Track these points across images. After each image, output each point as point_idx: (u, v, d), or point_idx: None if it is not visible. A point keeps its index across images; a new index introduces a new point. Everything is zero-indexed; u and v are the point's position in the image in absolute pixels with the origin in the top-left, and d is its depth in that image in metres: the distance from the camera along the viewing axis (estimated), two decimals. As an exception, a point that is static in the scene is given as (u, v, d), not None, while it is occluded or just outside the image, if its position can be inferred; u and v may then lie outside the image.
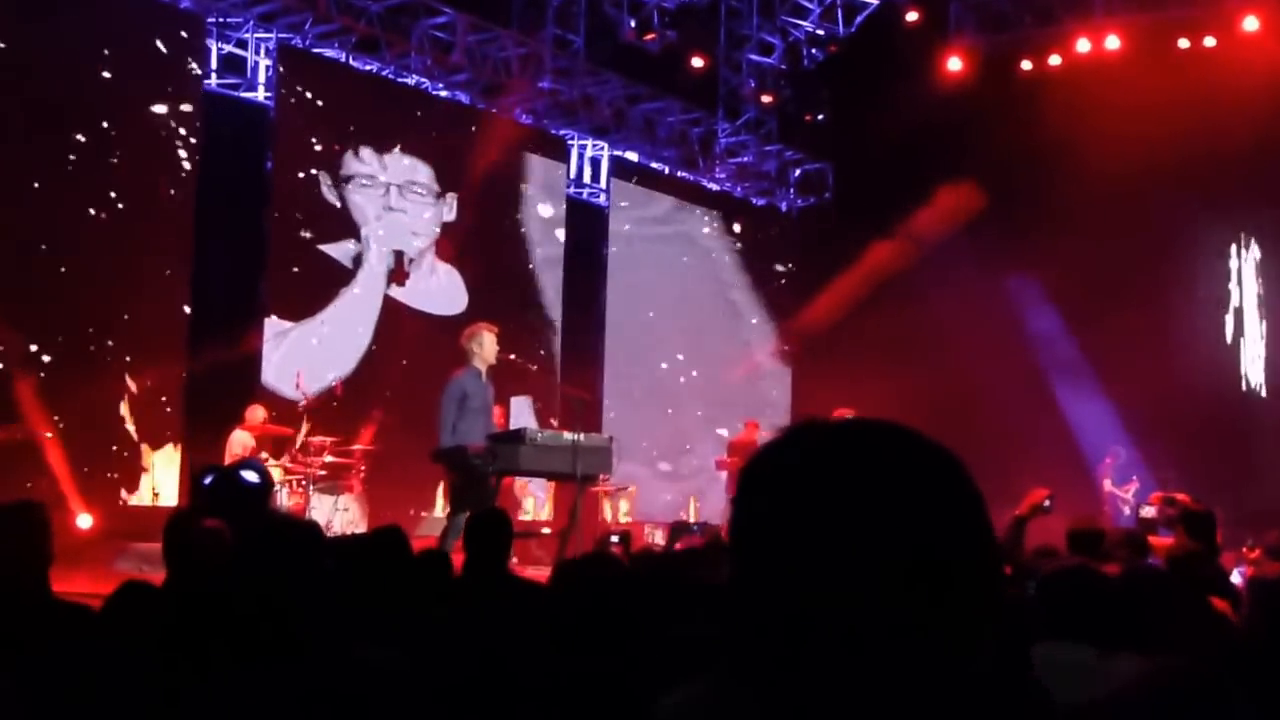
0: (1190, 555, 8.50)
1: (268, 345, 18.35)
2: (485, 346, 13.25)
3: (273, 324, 18.50)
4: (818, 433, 1.71)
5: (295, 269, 18.95)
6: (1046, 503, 11.41)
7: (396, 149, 20.35)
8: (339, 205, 19.53)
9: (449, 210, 20.81)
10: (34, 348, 16.06)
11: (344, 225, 19.62)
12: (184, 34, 18.03)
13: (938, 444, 1.70)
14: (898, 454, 1.68)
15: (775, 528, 1.64)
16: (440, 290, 20.64)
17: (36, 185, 16.22)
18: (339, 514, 16.95)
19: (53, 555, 5.76)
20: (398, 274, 19.95)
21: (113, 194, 16.95)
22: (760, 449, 1.75)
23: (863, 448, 1.68)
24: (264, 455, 15.79)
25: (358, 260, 19.61)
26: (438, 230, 20.76)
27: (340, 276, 19.48)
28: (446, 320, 19.71)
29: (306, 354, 18.66)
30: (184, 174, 17.88)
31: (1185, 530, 12.40)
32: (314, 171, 19.30)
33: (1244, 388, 23.31)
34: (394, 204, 20.22)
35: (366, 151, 19.92)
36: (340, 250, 19.42)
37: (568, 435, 13.67)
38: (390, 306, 19.86)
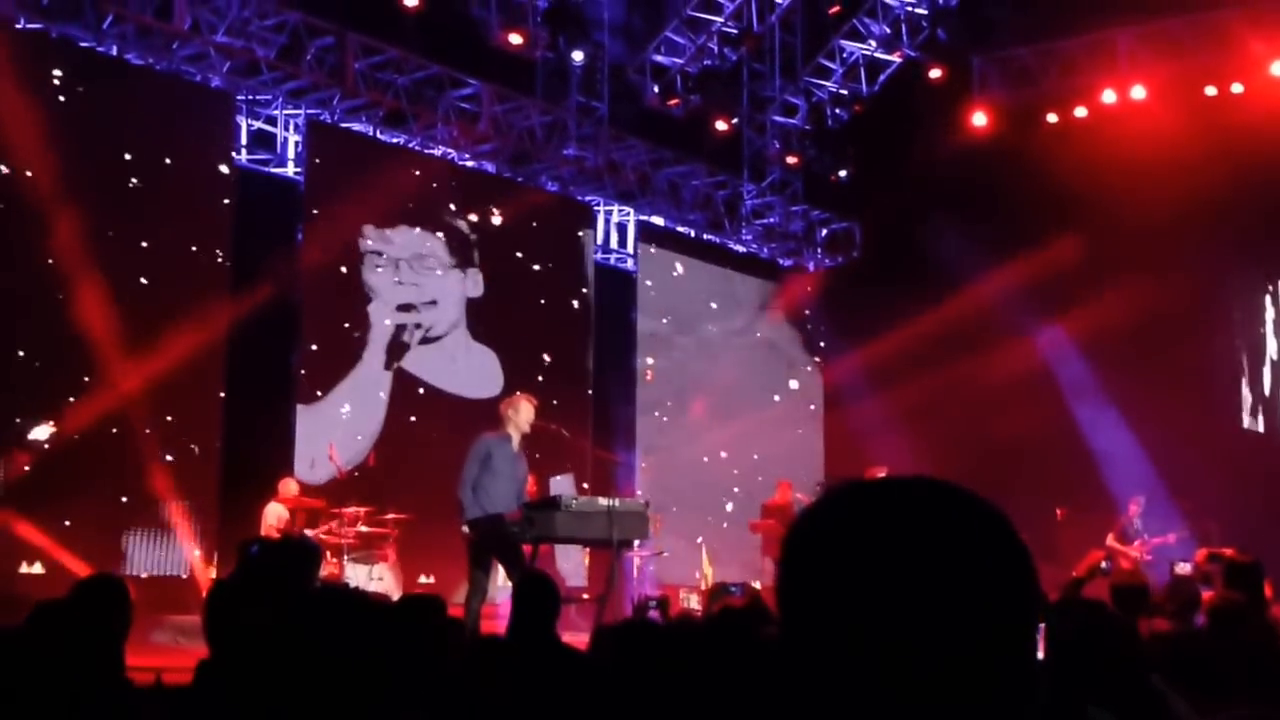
0: (1235, 607, 8.28)
1: (300, 418, 18.48)
2: (521, 414, 13.34)
3: (305, 396, 18.63)
4: (863, 494, 1.72)
5: (323, 343, 19.10)
6: (1104, 564, 11.46)
7: (419, 226, 20.54)
8: (367, 280, 19.70)
9: (474, 285, 20.90)
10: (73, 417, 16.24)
11: (371, 299, 19.82)
12: (215, 111, 18.25)
13: (983, 500, 1.70)
14: (944, 512, 1.68)
15: (827, 590, 1.64)
16: (473, 370, 20.74)
17: (73, 260, 16.34)
18: (373, 583, 16.98)
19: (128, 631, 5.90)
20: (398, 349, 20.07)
21: (147, 270, 17.13)
22: (807, 511, 1.75)
23: (910, 507, 1.68)
24: (307, 529, 15.93)
25: (388, 334, 19.75)
26: (464, 306, 20.86)
27: (370, 350, 19.64)
28: (480, 403, 19.79)
29: (337, 427, 18.83)
30: (217, 248, 18.03)
31: (1228, 582, 12.29)
32: (344, 243, 19.46)
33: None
34: (416, 278, 20.38)
35: (398, 227, 20.13)
36: (370, 323, 19.57)
37: (603, 501, 13.71)
38: (421, 384, 19.99)
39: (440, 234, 20.86)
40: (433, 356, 20.46)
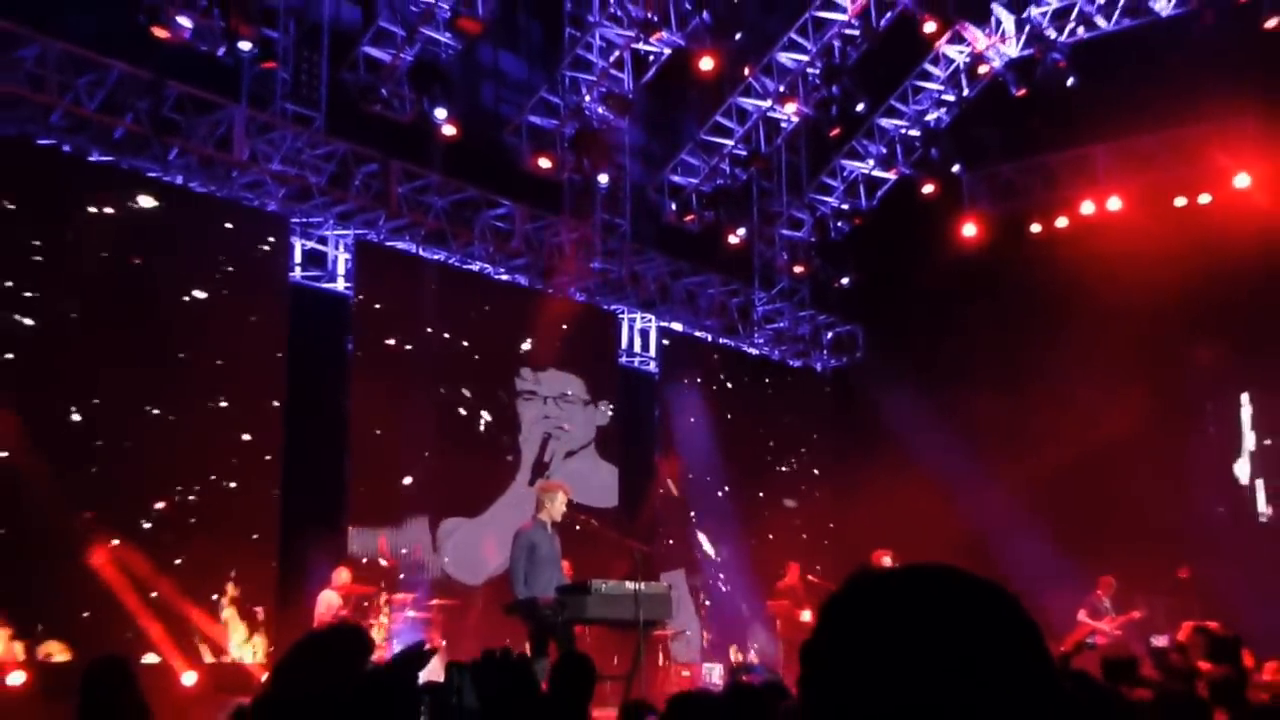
0: (1231, 680, 8.53)
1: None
2: (555, 503, 13.37)
3: (355, 493, 18.74)
4: (885, 586, 1.72)
5: (378, 431, 19.16)
6: (1090, 640, 11.45)
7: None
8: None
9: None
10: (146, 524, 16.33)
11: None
12: (271, 235, 18.39)
13: (995, 585, 1.70)
14: (963, 600, 1.68)
15: (852, 677, 1.64)
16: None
17: (136, 377, 16.44)
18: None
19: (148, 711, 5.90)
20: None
21: (213, 379, 17.22)
22: (829, 601, 1.74)
23: (935, 596, 1.68)
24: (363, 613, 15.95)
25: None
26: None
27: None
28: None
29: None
30: (274, 360, 18.09)
31: (1211, 654, 12.31)
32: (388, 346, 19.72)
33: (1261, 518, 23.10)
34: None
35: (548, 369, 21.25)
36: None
37: (630, 585, 13.68)
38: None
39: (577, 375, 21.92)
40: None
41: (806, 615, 19.62)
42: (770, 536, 25.02)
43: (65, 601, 15.32)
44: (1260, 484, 23.27)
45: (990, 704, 1.59)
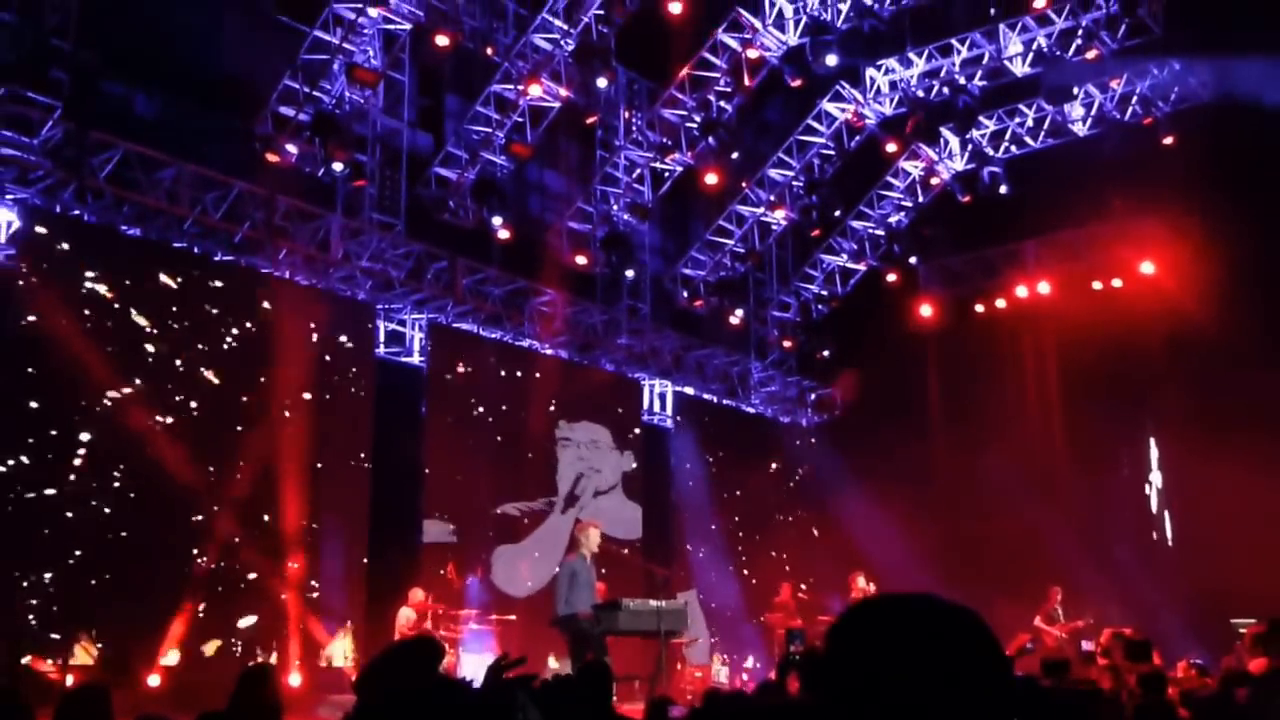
0: (1151, 674, 8.71)
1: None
2: (590, 539, 13.45)
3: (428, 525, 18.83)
4: (879, 611, 1.77)
5: (455, 476, 19.23)
6: (1029, 645, 11.40)
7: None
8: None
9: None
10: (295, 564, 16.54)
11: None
12: (361, 317, 18.50)
13: (963, 608, 1.75)
14: (942, 621, 1.72)
15: (857, 687, 1.68)
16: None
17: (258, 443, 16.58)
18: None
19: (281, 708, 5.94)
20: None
21: (315, 442, 17.23)
22: (836, 626, 1.78)
23: (920, 618, 1.73)
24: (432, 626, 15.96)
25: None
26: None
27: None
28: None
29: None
30: (363, 419, 18.21)
31: (1127, 655, 12.24)
32: (455, 408, 19.78)
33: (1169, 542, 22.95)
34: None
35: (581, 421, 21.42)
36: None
37: (653, 602, 13.71)
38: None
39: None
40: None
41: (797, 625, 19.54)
42: (771, 554, 24.86)
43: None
44: (1167, 515, 23.12)
45: (965, 702, 1.64)
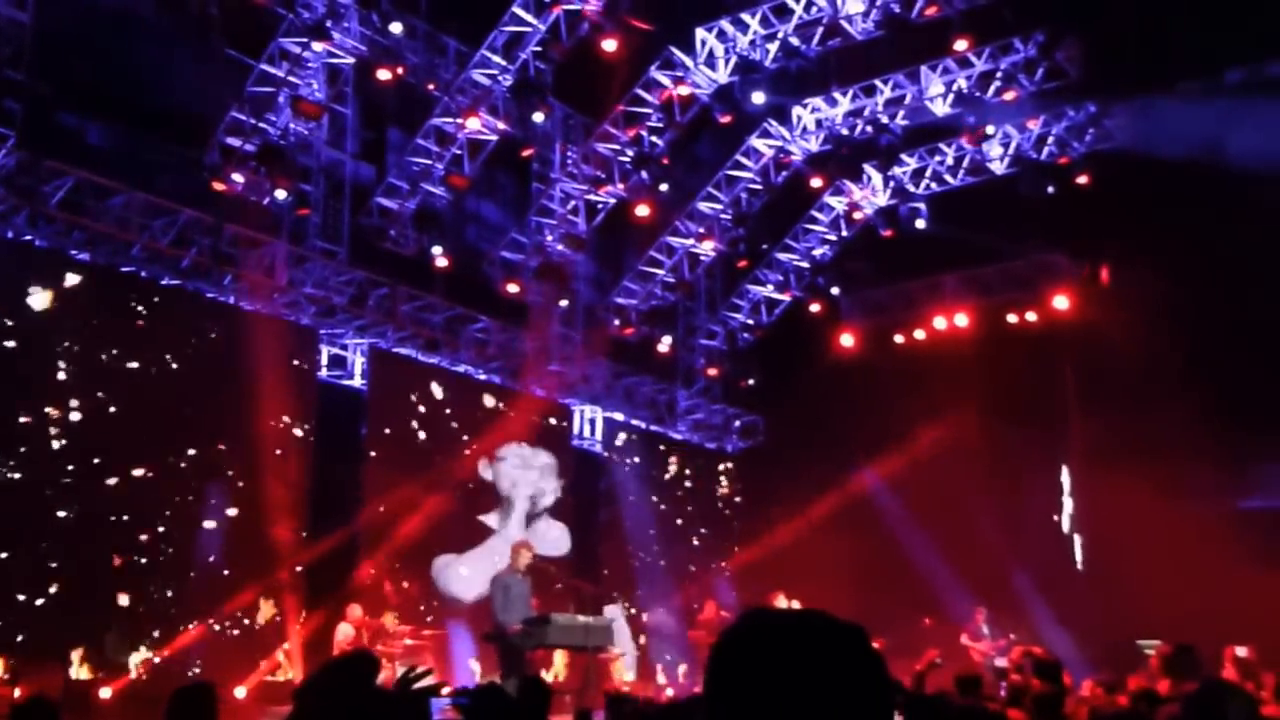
0: (1045, 695, 8.76)
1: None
2: (521, 559, 14.07)
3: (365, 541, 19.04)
4: (766, 627, 1.79)
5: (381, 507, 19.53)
6: (938, 660, 11.94)
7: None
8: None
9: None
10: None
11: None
12: (304, 341, 18.74)
13: (852, 627, 1.77)
14: (825, 641, 1.74)
15: (743, 704, 1.70)
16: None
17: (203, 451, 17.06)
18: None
19: None
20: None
21: (256, 456, 17.58)
22: (724, 638, 1.79)
23: (799, 636, 1.74)
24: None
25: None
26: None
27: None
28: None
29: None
30: (306, 437, 18.56)
31: (1037, 673, 12.73)
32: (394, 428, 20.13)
33: (1079, 566, 23.32)
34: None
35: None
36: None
37: (581, 618, 14.32)
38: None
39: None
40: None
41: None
42: (691, 573, 25.15)
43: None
44: (1078, 538, 23.49)
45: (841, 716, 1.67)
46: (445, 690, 7.01)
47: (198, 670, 15.95)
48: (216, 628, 16.77)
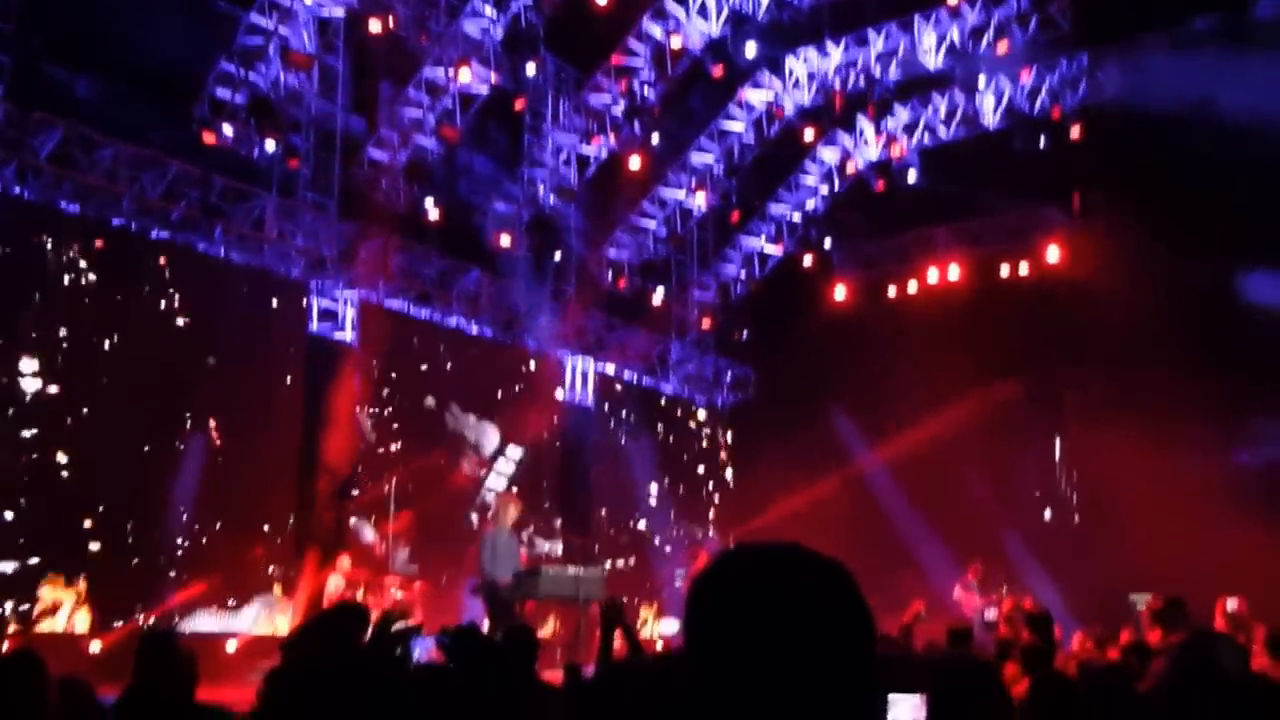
0: (1036, 648, 8.66)
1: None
2: (509, 514, 14.16)
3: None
4: (747, 560, 1.73)
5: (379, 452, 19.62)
6: (923, 613, 12.02)
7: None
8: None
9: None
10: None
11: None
12: (294, 294, 18.77)
13: (832, 561, 1.71)
14: (807, 574, 1.68)
15: (721, 638, 1.65)
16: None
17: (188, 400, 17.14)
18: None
19: (196, 677, 5.80)
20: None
21: (246, 408, 17.61)
22: (702, 574, 1.75)
23: (780, 570, 1.68)
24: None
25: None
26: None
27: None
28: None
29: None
30: (295, 390, 18.54)
31: (1027, 627, 12.77)
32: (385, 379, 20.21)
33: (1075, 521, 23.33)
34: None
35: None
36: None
37: (572, 569, 14.35)
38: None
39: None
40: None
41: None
42: (682, 531, 25.27)
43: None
44: (1070, 492, 23.46)
45: (824, 649, 1.62)
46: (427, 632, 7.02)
47: (185, 626, 16.03)
48: (205, 583, 16.82)
